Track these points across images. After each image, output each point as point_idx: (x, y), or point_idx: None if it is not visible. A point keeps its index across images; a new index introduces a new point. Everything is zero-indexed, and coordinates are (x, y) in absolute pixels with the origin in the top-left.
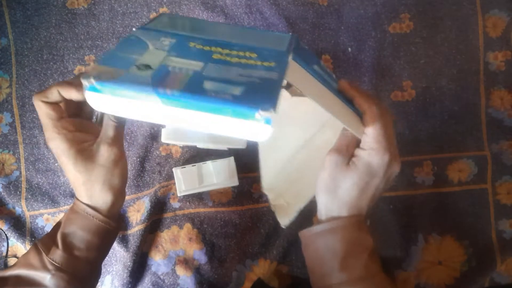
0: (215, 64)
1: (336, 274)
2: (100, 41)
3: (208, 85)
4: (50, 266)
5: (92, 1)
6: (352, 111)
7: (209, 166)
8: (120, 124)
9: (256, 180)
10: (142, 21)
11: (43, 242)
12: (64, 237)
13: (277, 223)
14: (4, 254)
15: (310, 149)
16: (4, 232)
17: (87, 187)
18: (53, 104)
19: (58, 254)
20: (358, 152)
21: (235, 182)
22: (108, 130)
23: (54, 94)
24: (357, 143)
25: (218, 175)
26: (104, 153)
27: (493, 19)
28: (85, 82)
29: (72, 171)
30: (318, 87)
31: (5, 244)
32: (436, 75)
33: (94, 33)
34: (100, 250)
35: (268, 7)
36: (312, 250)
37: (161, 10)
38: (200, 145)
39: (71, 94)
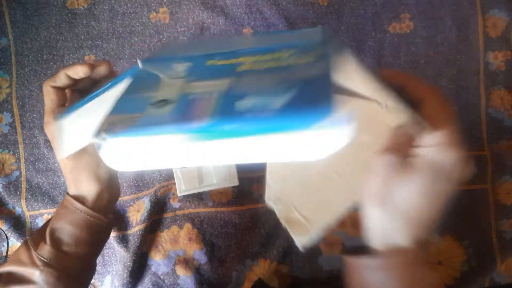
0: (243, 77)
1: None
2: (100, 41)
3: (241, 104)
4: (38, 262)
5: (92, 1)
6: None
7: (209, 166)
8: None
9: (256, 180)
10: (142, 21)
11: (33, 238)
12: (52, 232)
13: (277, 223)
14: (4, 254)
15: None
16: (4, 232)
17: (74, 175)
18: (59, 90)
19: (46, 249)
20: (420, 150)
21: (235, 182)
22: None
23: (61, 77)
24: (412, 141)
25: (218, 175)
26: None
27: (493, 19)
28: (97, 141)
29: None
30: (367, 77)
31: (5, 244)
32: (436, 75)
33: (94, 33)
34: (91, 246)
35: (268, 7)
36: (357, 282)
37: (161, 10)
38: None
39: (78, 71)
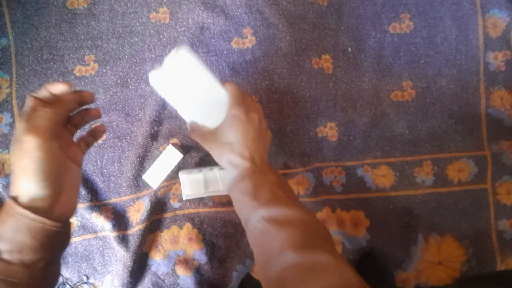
0: None
1: (249, 206)
2: (100, 41)
3: None
4: None
5: (92, 1)
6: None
7: (216, 173)
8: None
9: None
10: (142, 21)
11: None
12: None
13: None
14: None
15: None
16: None
17: (16, 174)
18: (37, 99)
19: None
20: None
21: None
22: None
23: (42, 90)
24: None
25: (225, 183)
26: (28, 139)
27: (493, 19)
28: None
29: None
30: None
31: None
32: (436, 75)
33: (94, 33)
34: (39, 252)
35: (268, 7)
36: (235, 199)
37: (161, 10)
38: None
39: (57, 86)
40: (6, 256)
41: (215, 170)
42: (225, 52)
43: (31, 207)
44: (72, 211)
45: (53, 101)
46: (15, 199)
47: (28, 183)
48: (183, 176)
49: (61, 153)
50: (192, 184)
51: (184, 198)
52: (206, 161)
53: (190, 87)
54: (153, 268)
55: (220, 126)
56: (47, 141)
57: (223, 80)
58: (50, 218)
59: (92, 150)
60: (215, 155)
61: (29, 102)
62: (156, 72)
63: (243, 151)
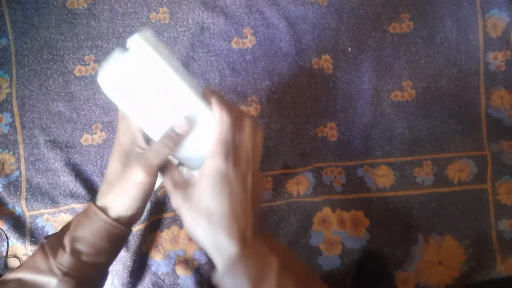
0: None
1: None
2: (100, 41)
3: None
4: (57, 271)
5: (92, 1)
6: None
7: None
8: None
9: None
10: (142, 21)
11: (51, 245)
12: (73, 241)
13: (277, 223)
14: (4, 254)
15: None
16: (4, 232)
17: (117, 193)
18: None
19: (65, 258)
20: (202, 166)
21: None
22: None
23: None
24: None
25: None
26: (138, 174)
27: (493, 19)
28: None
29: (112, 163)
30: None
31: (5, 244)
32: (436, 75)
33: (94, 33)
34: (109, 255)
35: (268, 7)
36: None
37: (161, 10)
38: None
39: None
40: (84, 258)
41: None
42: (225, 52)
43: (114, 216)
44: (140, 217)
45: None
46: (101, 208)
47: (123, 203)
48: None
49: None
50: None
51: None
52: None
53: (154, 95)
54: (153, 268)
55: (197, 183)
56: (153, 177)
57: (207, 87)
58: (124, 225)
59: (92, 150)
60: (188, 226)
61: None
62: (106, 71)
63: (230, 227)
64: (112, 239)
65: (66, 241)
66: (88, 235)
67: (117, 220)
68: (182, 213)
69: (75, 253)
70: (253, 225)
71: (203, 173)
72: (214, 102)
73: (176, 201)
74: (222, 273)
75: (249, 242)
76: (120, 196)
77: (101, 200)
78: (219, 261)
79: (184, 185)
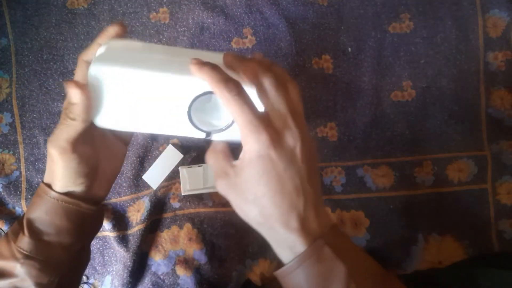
0: None
1: None
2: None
3: None
4: (18, 255)
5: (92, 1)
6: None
7: None
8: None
9: None
10: (142, 21)
11: (13, 230)
12: (30, 223)
13: None
14: None
15: None
16: (4, 232)
17: (50, 168)
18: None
19: (25, 241)
20: (242, 151)
21: None
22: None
23: (95, 48)
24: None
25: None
26: (52, 152)
27: (493, 19)
28: None
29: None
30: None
31: None
32: (436, 75)
33: (94, 33)
34: (75, 234)
35: (268, 7)
36: None
37: (161, 10)
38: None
39: (110, 32)
40: (46, 238)
41: None
42: (225, 52)
43: (66, 193)
44: (107, 192)
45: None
46: (48, 185)
47: (59, 182)
48: (183, 170)
49: (95, 147)
50: (191, 178)
51: (182, 194)
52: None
53: (146, 101)
54: (153, 268)
55: (239, 172)
56: (72, 153)
57: (195, 61)
58: (85, 201)
59: None
60: (239, 214)
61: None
62: (100, 117)
63: (286, 218)
64: (72, 217)
65: (24, 223)
66: (43, 215)
67: (69, 195)
68: (230, 200)
69: (34, 234)
70: (316, 209)
71: (244, 161)
72: (209, 81)
73: (222, 188)
74: (285, 270)
75: (311, 231)
76: (52, 176)
77: (45, 177)
78: (282, 254)
79: (228, 172)
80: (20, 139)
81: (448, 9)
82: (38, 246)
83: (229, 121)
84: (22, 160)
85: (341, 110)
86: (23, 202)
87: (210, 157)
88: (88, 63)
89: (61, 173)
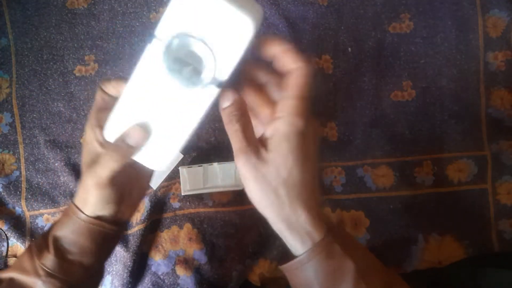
0: None
1: None
2: (100, 41)
3: None
4: (41, 272)
5: (92, 1)
6: None
7: (216, 168)
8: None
9: None
10: (142, 21)
11: (37, 245)
12: (56, 241)
13: None
14: (4, 254)
15: None
16: (4, 232)
17: (84, 190)
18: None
19: (49, 259)
20: (273, 125)
21: (239, 186)
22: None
23: (113, 84)
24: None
25: (224, 178)
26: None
27: (493, 19)
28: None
29: (82, 162)
30: None
31: (5, 244)
32: (436, 75)
33: (94, 33)
34: (96, 254)
35: (268, 7)
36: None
37: (161, 10)
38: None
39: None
40: (69, 257)
41: (215, 165)
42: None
43: (95, 217)
44: (132, 214)
45: None
46: (77, 205)
47: (89, 207)
48: (183, 170)
49: (127, 174)
50: (191, 178)
51: (182, 194)
52: (207, 159)
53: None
54: (153, 268)
55: (275, 147)
56: (108, 186)
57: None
58: (109, 223)
59: None
60: (256, 197)
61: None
62: None
63: (310, 201)
64: (96, 238)
65: (50, 240)
66: (70, 234)
67: (97, 218)
68: (247, 182)
69: (59, 252)
70: (321, 206)
71: (281, 135)
72: (288, 60)
73: (248, 165)
74: (296, 263)
75: (323, 227)
76: (85, 202)
77: (76, 199)
78: (294, 246)
79: (256, 149)
80: (20, 139)
81: (448, 9)
82: (61, 265)
83: (197, 85)
84: (22, 160)
85: (341, 110)
86: (23, 202)
87: (230, 129)
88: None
89: (93, 201)
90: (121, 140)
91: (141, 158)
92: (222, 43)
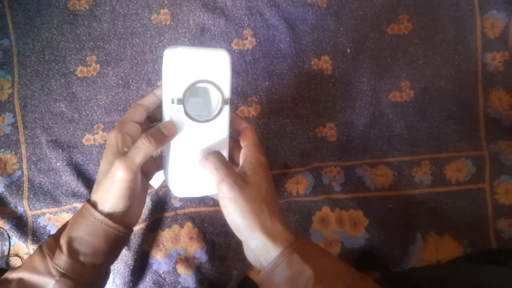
0: None
1: None
2: (101, 42)
3: None
4: (54, 272)
5: (94, 3)
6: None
7: None
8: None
9: None
10: (144, 22)
11: (48, 245)
12: (70, 242)
13: None
14: (6, 253)
15: None
16: (6, 231)
17: (102, 188)
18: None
19: (62, 259)
20: (247, 160)
21: None
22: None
23: (151, 97)
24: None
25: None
26: (119, 173)
27: (491, 20)
28: None
29: (102, 164)
30: None
31: (7, 243)
32: (435, 76)
33: (95, 34)
34: (107, 256)
35: (268, 9)
36: None
37: (162, 12)
38: None
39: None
40: (82, 258)
41: None
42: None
43: (109, 215)
44: (138, 218)
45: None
46: (93, 205)
47: (110, 200)
48: None
49: (140, 175)
50: None
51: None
52: None
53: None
54: (154, 267)
55: (252, 173)
56: (136, 175)
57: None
58: (123, 226)
59: (93, 150)
60: (233, 213)
61: (134, 118)
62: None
63: (281, 218)
64: (110, 240)
65: (63, 241)
66: (85, 236)
67: (110, 217)
68: (235, 201)
69: (72, 253)
70: (282, 219)
71: (255, 165)
72: (238, 123)
73: (231, 190)
74: (265, 274)
75: (283, 241)
76: (106, 195)
77: (93, 196)
78: (261, 261)
79: (238, 175)
80: (22, 139)
81: (446, 10)
82: (74, 266)
83: (215, 112)
84: (24, 160)
85: (340, 110)
86: (25, 202)
87: (208, 165)
88: (145, 107)
89: (117, 193)
90: (158, 129)
91: (196, 188)
92: (215, 74)
